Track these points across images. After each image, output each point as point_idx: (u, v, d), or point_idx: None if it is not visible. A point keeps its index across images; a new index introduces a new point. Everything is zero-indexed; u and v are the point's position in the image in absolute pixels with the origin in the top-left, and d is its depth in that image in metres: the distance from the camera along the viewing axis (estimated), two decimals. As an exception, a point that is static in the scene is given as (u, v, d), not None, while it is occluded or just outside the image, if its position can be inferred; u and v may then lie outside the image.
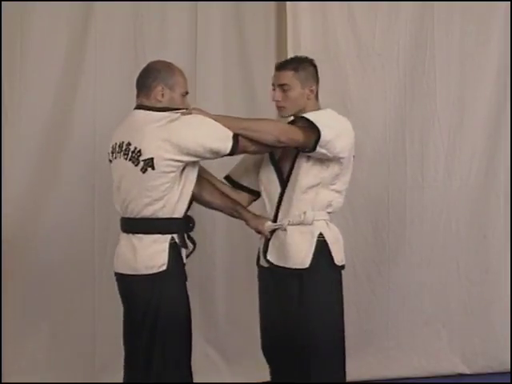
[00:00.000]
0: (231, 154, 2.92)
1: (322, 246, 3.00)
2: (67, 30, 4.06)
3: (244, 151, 3.01)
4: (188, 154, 2.84)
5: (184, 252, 2.98)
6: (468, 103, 4.48)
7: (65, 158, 4.09)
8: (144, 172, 2.83)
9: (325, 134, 2.90)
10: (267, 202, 3.13)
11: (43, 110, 4.05)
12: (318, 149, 2.92)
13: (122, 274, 2.98)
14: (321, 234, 3.01)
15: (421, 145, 4.44)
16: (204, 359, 4.19)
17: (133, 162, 2.86)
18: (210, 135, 2.87)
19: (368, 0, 4.32)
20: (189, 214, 2.98)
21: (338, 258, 3.04)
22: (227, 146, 2.88)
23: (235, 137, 2.89)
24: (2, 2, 3.94)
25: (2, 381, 3.91)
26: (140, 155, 2.84)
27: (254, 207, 3.24)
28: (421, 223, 4.46)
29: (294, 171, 3.02)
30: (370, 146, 4.34)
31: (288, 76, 3.04)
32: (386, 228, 4.42)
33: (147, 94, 2.95)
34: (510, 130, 4.50)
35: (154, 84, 2.94)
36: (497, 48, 4.48)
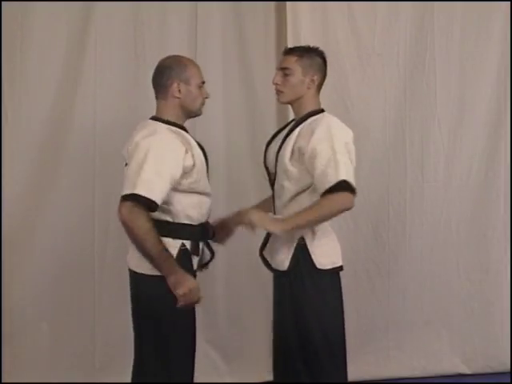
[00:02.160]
0: None
1: (301, 250, 2.95)
2: (67, 29, 4.05)
3: None
4: None
5: (195, 259, 2.94)
6: (468, 103, 4.47)
7: (65, 158, 4.07)
8: None
9: (349, 176, 2.85)
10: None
11: (43, 110, 4.04)
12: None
13: (129, 269, 2.95)
14: (302, 238, 2.95)
15: (421, 145, 4.43)
16: (204, 359, 4.18)
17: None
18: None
19: (368, 0, 4.33)
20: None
21: (322, 261, 2.95)
22: None
23: None
24: (2, 2, 3.94)
25: (2, 381, 3.91)
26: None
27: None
28: (421, 223, 4.45)
29: (278, 178, 3.00)
30: (370, 145, 4.34)
31: (291, 60, 3.01)
32: (386, 228, 4.41)
33: (164, 93, 2.93)
34: (509, 130, 4.50)
35: (168, 82, 2.91)
36: (497, 48, 4.48)
